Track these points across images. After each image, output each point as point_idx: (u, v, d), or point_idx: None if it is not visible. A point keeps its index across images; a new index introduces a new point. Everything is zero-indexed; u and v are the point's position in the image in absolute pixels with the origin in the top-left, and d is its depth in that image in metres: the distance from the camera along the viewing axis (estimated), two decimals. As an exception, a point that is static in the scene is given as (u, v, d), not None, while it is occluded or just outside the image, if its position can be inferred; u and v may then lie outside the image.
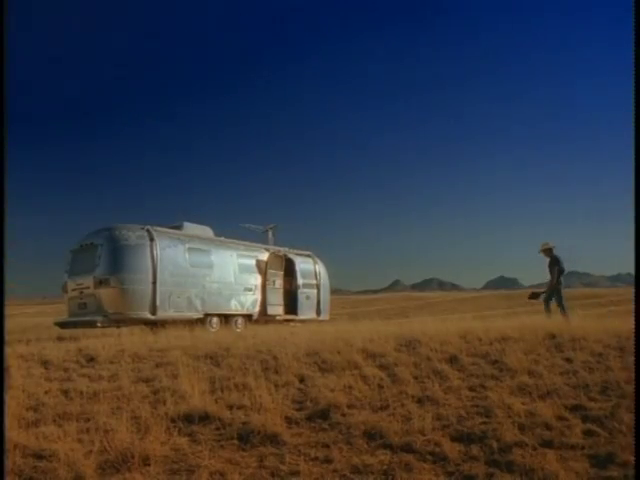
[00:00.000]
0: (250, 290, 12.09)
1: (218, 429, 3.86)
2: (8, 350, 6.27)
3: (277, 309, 12.70)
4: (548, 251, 10.10)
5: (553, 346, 5.94)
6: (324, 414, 4.09)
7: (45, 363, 6.08)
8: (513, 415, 3.88)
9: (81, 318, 10.09)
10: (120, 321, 10.24)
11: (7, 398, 4.12)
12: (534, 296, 10.52)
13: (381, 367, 5.34)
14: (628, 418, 3.66)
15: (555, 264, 9.88)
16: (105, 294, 9.86)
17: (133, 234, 10.26)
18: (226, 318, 11.46)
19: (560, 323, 7.66)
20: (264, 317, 12.24)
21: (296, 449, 3.52)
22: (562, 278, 9.86)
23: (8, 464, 3.21)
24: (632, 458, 3.02)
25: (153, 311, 10.11)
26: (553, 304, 9.78)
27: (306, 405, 4.33)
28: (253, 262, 12.41)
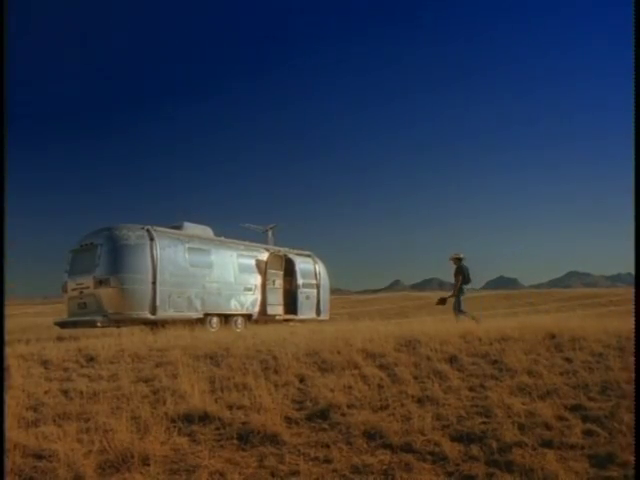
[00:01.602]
0: (250, 290, 12.09)
1: (218, 429, 3.86)
2: (8, 350, 6.27)
3: (277, 309, 12.70)
4: (456, 260, 10.56)
5: (553, 346, 5.93)
6: (324, 414, 4.09)
7: (45, 363, 6.08)
8: (513, 415, 3.88)
9: (81, 318, 10.08)
10: (120, 321, 10.24)
11: (7, 398, 4.11)
12: (441, 302, 11.09)
13: (381, 367, 5.34)
14: (628, 418, 3.66)
15: (459, 273, 10.34)
16: (105, 294, 9.85)
17: (133, 234, 10.25)
18: (226, 318, 11.46)
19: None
20: (264, 317, 12.24)
21: (296, 449, 3.52)
22: (465, 287, 10.33)
23: (8, 464, 3.21)
24: (632, 458, 3.02)
25: (153, 311, 10.11)
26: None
27: (306, 405, 4.33)
28: (253, 262, 12.40)
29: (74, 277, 10.45)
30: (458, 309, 10.11)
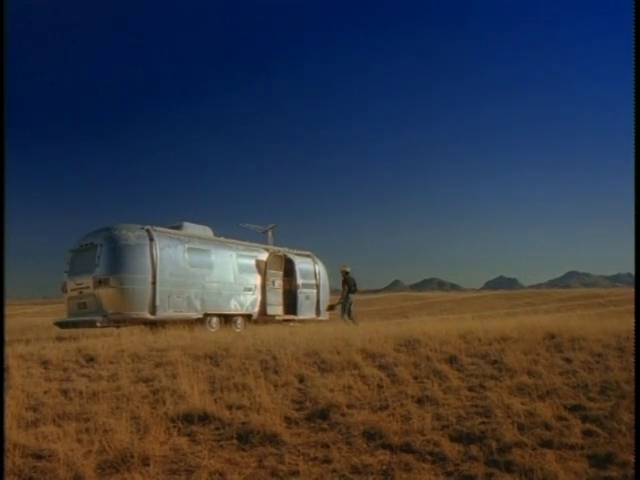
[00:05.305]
0: (250, 290, 12.09)
1: (217, 429, 3.87)
2: (8, 350, 6.27)
3: (277, 309, 12.69)
4: (344, 272, 12.12)
5: (552, 346, 5.93)
6: (323, 414, 4.09)
7: (45, 363, 6.07)
8: (512, 415, 3.88)
9: (81, 318, 10.06)
10: (120, 321, 10.22)
11: (7, 398, 4.12)
12: (330, 308, 13.23)
13: (380, 367, 5.34)
14: (628, 418, 3.66)
15: (345, 283, 11.92)
16: (105, 294, 9.84)
17: (132, 234, 10.24)
18: (226, 318, 11.45)
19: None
20: (264, 317, 12.23)
21: (295, 449, 3.52)
22: (351, 296, 11.85)
23: (8, 464, 3.21)
24: (632, 458, 3.02)
25: (153, 311, 10.10)
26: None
27: (305, 405, 4.33)
28: (253, 262, 12.39)
29: (74, 277, 10.44)
30: (347, 314, 11.62)
